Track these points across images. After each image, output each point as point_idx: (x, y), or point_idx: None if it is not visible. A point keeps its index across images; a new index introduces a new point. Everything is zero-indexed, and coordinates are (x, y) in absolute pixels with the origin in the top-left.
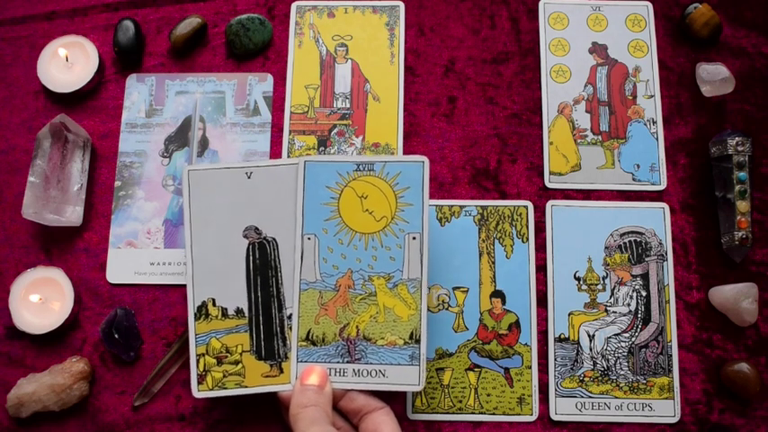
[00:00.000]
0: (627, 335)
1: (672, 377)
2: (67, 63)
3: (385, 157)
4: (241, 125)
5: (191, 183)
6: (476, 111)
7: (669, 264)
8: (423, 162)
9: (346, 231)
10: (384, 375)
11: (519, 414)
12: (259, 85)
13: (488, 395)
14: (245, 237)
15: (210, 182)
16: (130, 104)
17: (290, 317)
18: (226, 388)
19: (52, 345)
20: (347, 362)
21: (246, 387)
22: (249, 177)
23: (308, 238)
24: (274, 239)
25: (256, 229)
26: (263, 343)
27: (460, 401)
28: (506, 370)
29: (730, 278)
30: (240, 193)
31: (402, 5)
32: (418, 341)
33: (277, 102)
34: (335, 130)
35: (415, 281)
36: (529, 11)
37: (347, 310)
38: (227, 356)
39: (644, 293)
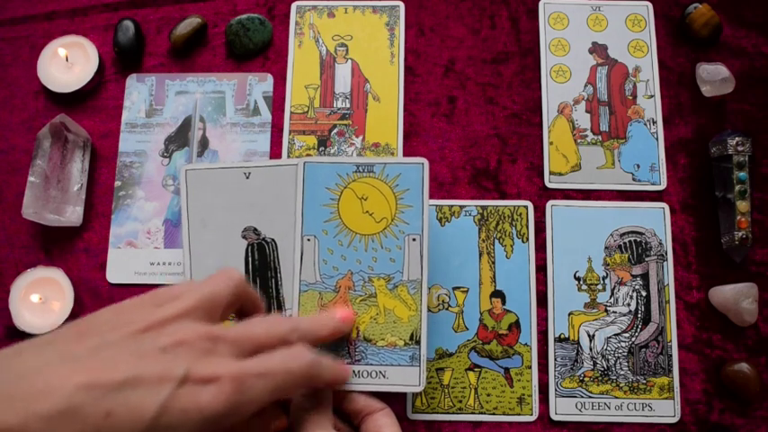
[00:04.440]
0: (627, 335)
1: (672, 377)
2: (67, 63)
3: (385, 159)
4: (241, 125)
5: (188, 183)
6: (476, 111)
7: (669, 264)
8: (422, 164)
9: (346, 233)
10: (384, 376)
11: (519, 414)
12: (259, 85)
13: (488, 395)
14: (244, 237)
15: (209, 182)
16: (130, 104)
17: None
18: None
19: None
20: (347, 363)
21: None
22: (248, 177)
23: (308, 240)
24: (273, 240)
25: (255, 229)
26: None
27: (460, 401)
28: (506, 370)
29: (730, 278)
30: (239, 193)
31: (402, 5)
32: (418, 342)
33: (277, 102)
34: (335, 130)
35: (416, 282)
36: (529, 11)
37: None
38: None
39: (644, 293)
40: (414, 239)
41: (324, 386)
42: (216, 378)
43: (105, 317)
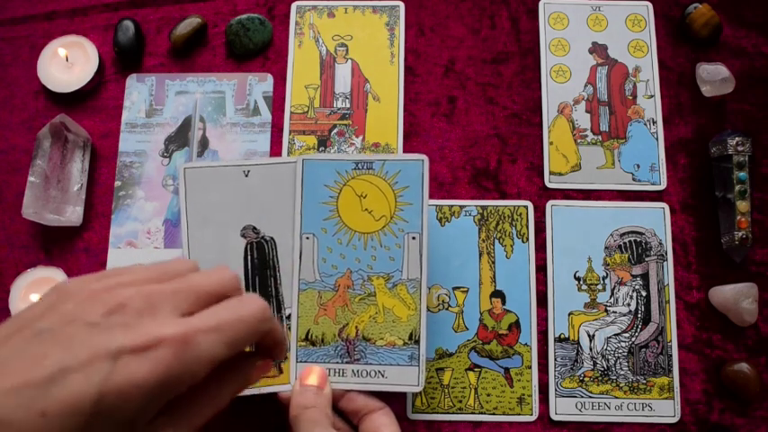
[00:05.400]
0: (627, 335)
1: (672, 377)
2: (67, 63)
3: (384, 156)
4: (241, 125)
5: (187, 181)
6: (476, 111)
7: (669, 264)
8: (422, 161)
9: (345, 231)
10: (383, 376)
11: (519, 414)
12: (259, 85)
13: (488, 395)
14: (243, 236)
15: (207, 180)
16: (130, 104)
17: (288, 317)
18: None
19: None
20: (346, 362)
21: None
22: (247, 176)
23: (307, 238)
24: (272, 239)
25: (254, 228)
26: None
27: (460, 401)
28: (506, 370)
29: (730, 278)
30: (237, 191)
31: (402, 5)
32: (417, 341)
33: (277, 102)
34: (335, 130)
35: (415, 281)
36: (529, 11)
37: (346, 310)
38: None
39: (644, 293)
40: (413, 238)
41: (275, 337)
42: (156, 342)
43: (41, 304)
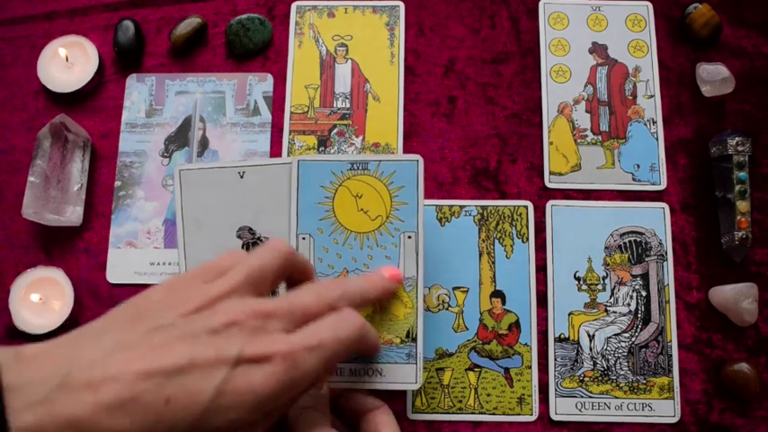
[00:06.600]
0: (627, 335)
1: (672, 377)
2: (67, 63)
3: (379, 156)
4: (241, 125)
5: (182, 182)
6: (476, 111)
7: (669, 264)
8: (417, 161)
9: (341, 231)
10: (381, 374)
11: (519, 414)
12: (259, 85)
13: (488, 395)
14: (239, 237)
15: (203, 181)
16: (130, 104)
17: None
18: None
19: None
20: (344, 361)
21: None
22: (242, 177)
23: (303, 238)
24: (268, 240)
25: (250, 229)
26: None
27: (460, 401)
28: (506, 370)
29: (730, 278)
30: (233, 192)
31: (402, 5)
32: (415, 339)
33: (277, 102)
34: (335, 130)
35: (411, 280)
36: (529, 11)
37: None
38: None
39: (644, 293)
40: (409, 237)
41: (366, 352)
42: (268, 357)
43: (156, 297)
